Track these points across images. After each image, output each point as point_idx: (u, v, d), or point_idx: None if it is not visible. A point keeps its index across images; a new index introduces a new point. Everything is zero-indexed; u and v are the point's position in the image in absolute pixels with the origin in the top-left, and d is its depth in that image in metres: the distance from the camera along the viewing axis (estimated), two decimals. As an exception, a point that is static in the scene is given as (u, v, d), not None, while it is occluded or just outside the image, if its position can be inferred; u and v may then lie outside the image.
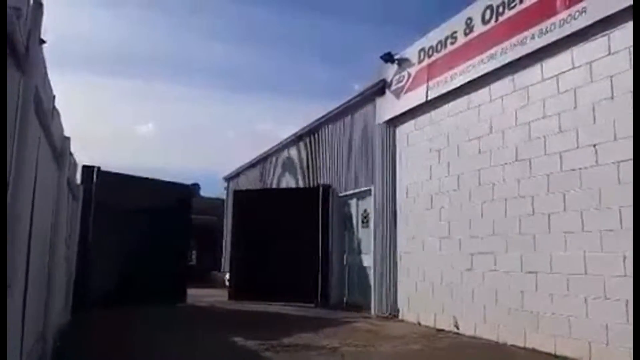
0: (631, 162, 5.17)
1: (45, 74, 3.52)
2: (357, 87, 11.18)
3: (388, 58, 9.78)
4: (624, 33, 5.41)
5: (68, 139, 5.30)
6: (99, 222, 9.59)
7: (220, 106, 50.47)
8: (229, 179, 21.10)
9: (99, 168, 9.96)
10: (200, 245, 20.34)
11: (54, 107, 4.27)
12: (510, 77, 7.00)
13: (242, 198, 13.39)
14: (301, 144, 14.17)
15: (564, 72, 6.17)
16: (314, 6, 35.88)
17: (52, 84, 3.94)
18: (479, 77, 7.47)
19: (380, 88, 10.08)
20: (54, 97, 4.20)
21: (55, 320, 5.51)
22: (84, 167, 9.43)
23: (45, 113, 3.58)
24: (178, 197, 11.61)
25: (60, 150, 5.02)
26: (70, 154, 5.82)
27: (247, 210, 12.39)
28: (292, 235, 11.37)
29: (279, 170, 15.90)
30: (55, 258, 4.92)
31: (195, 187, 21.91)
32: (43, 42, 2.77)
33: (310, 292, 11.17)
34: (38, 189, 3.57)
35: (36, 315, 4.20)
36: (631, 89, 5.25)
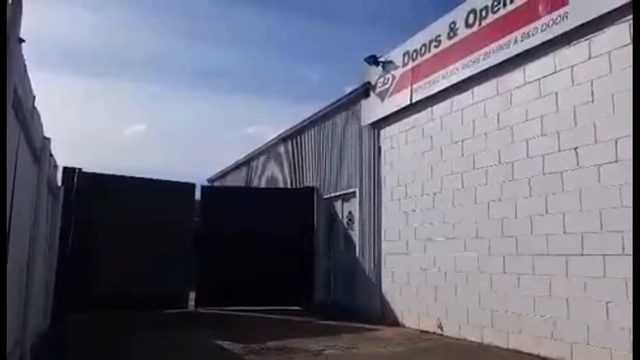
0: (612, 164, 5.27)
1: (25, 73, 3.45)
2: (348, 89, 11.15)
3: (373, 61, 9.80)
4: (605, 37, 5.50)
5: (48, 139, 5.21)
6: (82, 225, 9.38)
7: (212, 108, 50.06)
8: (213, 180, 20.98)
9: (80, 169, 9.75)
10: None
11: (34, 107, 4.20)
12: (493, 81, 7.07)
13: (211, 195, 11.98)
14: (286, 146, 14.15)
15: (545, 75, 6.24)
16: (306, 8, 35.86)
17: (33, 85, 3.87)
18: (462, 81, 7.53)
19: (365, 90, 10.11)
20: (34, 97, 4.12)
21: (35, 325, 5.41)
22: (65, 168, 9.26)
23: (24, 113, 3.51)
24: (177, 197, 10.85)
25: (40, 151, 4.93)
26: (51, 155, 5.72)
27: (219, 208, 11.20)
28: (275, 237, 11.07)
29: (264, 171, 15.86)
30: (34, 262, 4.82)
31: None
32: (22, 41, 2.72)
33: (294, 295, 11.10)
34: (17, 190, 3.50)
35: (14, 320, 4.11)
36: (612, 92, 5.35)
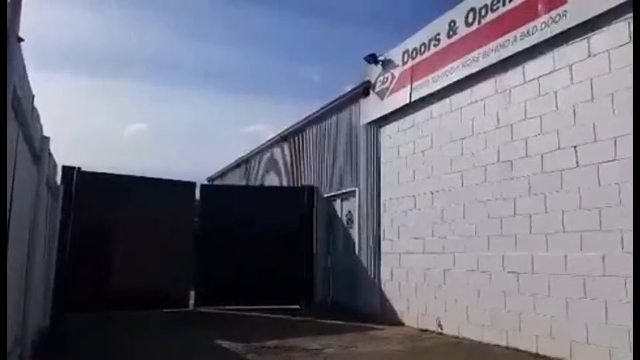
0: (611, 163, 5.27)
1: (25, 73, 3.46)
2: (348, 88, 11.16)
3: (372, 59, 9.81)
4: (604, 36, 5.50)
5: (47, 138, 5.22)
6: (82, 224, 9.35)
7: (212, 107, 49.95)
8: (213, 179, 20.97)
9: (79, 168, 9.71)
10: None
11: (33, 106, 4.20)
12: (492, 80, 7.07)
13: (211, 194, 11.80)
14: (286, 145, 14.15)
15: (545, 74, 6.24)
16: (306, 8, 35.80)
17: (33, 84, 3.88)
18: (461, 79, 7.52)
19: (365, 89, 10.11)
20: (33, 96, 4.13)
21: (35, 324, 5.42)
22: (64, 167, 9.25)
23: (23, 113, 3.51)
24: (177, 196, 10.77)
25: (39, 150, 4.93)
26: (50, 154, 5.73)
27: (219, 207, 11.10)
28: (275, 236, 11.05)
29: (263, 170, 15.87)
30: (33, 261, 4.83)
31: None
32: (21, 40, 2.72)
33: (294, 294, 11.08)
34: (16, 189, 3.50)
35: (14, 318, 4.12)
36: (612, 91, 5.35)
